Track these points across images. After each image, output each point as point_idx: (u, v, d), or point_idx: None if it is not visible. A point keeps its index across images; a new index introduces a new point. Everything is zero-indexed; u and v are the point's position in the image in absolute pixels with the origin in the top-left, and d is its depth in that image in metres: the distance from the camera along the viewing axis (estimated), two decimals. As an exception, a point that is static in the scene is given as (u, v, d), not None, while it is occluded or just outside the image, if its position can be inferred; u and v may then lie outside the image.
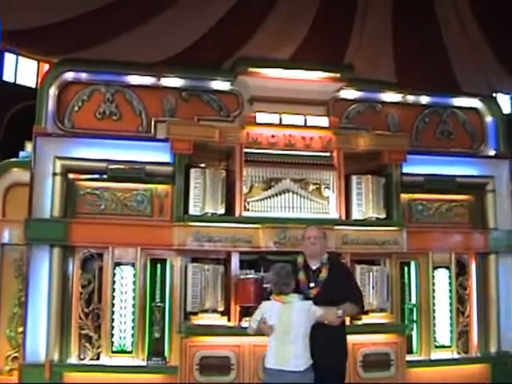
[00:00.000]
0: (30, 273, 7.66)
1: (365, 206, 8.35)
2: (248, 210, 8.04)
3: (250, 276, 7.77)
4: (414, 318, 8.58)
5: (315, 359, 5.02)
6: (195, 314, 7.64)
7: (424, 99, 9.36)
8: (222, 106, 8.62)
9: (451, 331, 8.62)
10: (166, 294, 7.92)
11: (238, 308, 7.74)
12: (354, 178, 8.42)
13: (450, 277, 8.72)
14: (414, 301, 8.64)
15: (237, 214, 7.99)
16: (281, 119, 8.28)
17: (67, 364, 7.62)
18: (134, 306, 7.78)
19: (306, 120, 8.34)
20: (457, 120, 9.45)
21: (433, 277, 8.65)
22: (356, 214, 8.36)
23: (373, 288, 8.04)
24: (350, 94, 9.02)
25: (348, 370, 5.78)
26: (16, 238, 7.89)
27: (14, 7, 6.72)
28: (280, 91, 8.24)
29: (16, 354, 7.79)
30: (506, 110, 12.04)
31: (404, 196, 8.65)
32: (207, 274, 7.70)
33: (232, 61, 8.36)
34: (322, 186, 8.34)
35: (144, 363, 7.68)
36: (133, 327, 7.73)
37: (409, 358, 8.10)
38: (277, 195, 8.13)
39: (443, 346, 8.57)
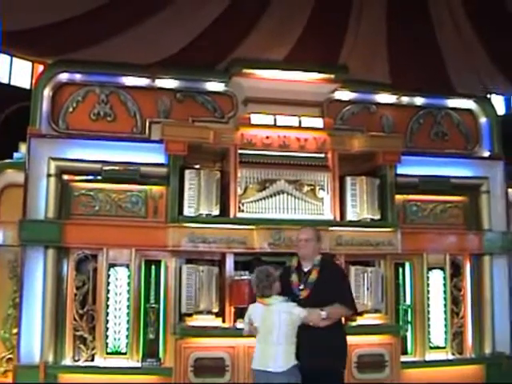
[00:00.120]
0: (25, 274, 7.64)
1: (359, 207, 8.36)
2: (242, 211, 8.04)
3: (245, 277, 7.74)
4: (409, 319, 8.59)
5: (301, 360, 5.07)
6: (190, 315, 7.64)
7: (418, 100, 9.38)
8: (216, 108, 8.62)
9: (446, 332, 8.62)
10: (160, 295, 7.91)
11: (232, 309, 7.74)
12: (348, 179, 8.43)
13: (444, 278, 8.73)
14: (408, 302, 8.65)
15: (231, 215, 7.98)
16: (275, 120, 8.28)
17: (62, 365, 7.60)
18: (128, 307, 7.77)
19: (300, 121, 8.34)
20: (451, 121, 9.46)
21: (427, 278, 8.65)
22: (350, 215, 8.36)
23: (367, 289, 8.05)
24: (344, 95, 9.03)
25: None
26: (10, 239, 7.87)
27: (6, 8, 6.70)
28: (274, 92, 8.25)
29: (10, 356, 7.76)
30: (500, 111, 12.02)
31: (398, 197, 8.65)
32: (202, 275, 7.70)
33: (226, 62, 8.36)
34: (317, 187, 8.34)
35: (138, 364, 7.67)
36: (127, 328, 7.73)
37: (403, 358, 8.11)
38: (271, 196, 8.14)
39: (438, 347, 8.57)
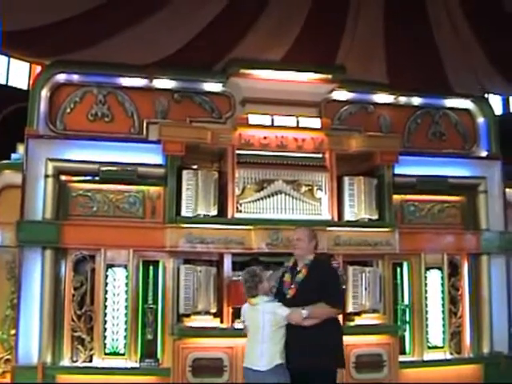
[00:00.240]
0: (23, 275, 7.64)
1: (357, 207, 8.36)
2: (240, 211, 8.03)
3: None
4: (407, 319, 8.60)
5: (289, 360, 5.08)
6: (188, 315, 7.65)
7: (416, 100, 9.38)
8: (214, 108, 8.62)
9: (444, 332, 8.62)
10: (158, 295, 7.91)
11: (230, 310, 7.74)
12: (346, 179, 8.44)
13: (442, 277, 8.73)
14: (406, 302, 8.65)
15: (229, 216, 7.98)
16: (273, 121, 8.29)
17: (60, 366, 7.60)
18: (126, 307, 7.76)
19: (298, 121, 8.34)
20: (449, 121, 9.47)
21: (425, 277, 8.66)
22: (348, 215, 8.37)
23: (365, 289, 8.07)
24: (342, 95, 9.03)
25: (340, 372, 5.74)
26: (8, 240, 7.87)
27: (3, 9, 6.70)
28: (272, 93, 8.24)
29: (8, 357, 7.76)
30: (497, 111, 12.03)
31: (396, 197, 8.67)
32: (200, 275, 7.70)
33: (224, 62, 8.37)
34: (315, 188, 8.34)
35: (137, 365, 7.67)
36: (125, 329, 7.72)
37: (401, 358, 8.12)
38: (269, 197, 8.13)
39: (436, 347, 8.57)
